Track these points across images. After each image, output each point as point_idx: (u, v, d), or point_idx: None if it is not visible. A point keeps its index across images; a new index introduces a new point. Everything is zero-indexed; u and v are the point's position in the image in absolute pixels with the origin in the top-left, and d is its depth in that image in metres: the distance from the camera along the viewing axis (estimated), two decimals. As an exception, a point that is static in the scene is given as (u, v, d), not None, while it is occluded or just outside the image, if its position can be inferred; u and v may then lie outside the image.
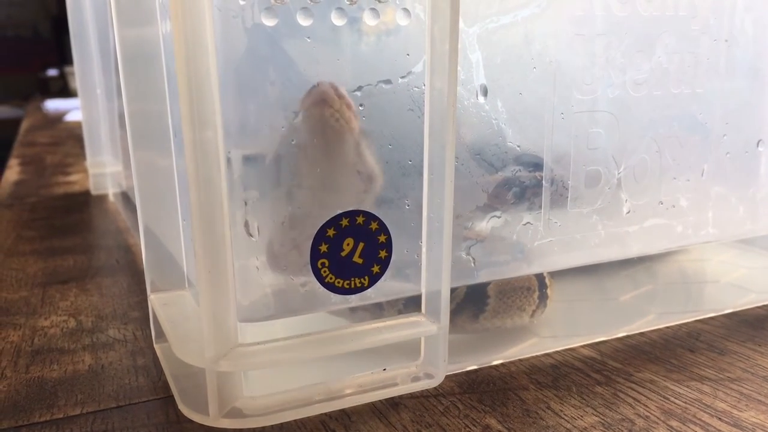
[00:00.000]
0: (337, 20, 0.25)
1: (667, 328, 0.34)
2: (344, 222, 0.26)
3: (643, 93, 0.31)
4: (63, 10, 0.65)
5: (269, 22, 0.24)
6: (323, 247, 0.26)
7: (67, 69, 2.01)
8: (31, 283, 0.41)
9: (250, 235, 0.25)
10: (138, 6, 0.30)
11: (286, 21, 0.24)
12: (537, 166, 0.30)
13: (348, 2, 0.25)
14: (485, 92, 0.28)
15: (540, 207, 0.30)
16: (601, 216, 0.32)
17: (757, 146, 0.35)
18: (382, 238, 0.27)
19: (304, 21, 0.24)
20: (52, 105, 1.61)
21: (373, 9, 0.25)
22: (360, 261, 0.27)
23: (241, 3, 0.23)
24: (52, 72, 2.33)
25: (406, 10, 0.26)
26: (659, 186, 0.32)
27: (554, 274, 0.34)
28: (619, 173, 0.31)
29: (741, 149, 0.34)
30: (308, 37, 0.24)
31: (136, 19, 0.31)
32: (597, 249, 0.32)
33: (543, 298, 0.33)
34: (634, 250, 0.33)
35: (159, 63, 0.30)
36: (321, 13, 0.24)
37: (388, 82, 0.26)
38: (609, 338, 0.32)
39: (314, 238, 0.26)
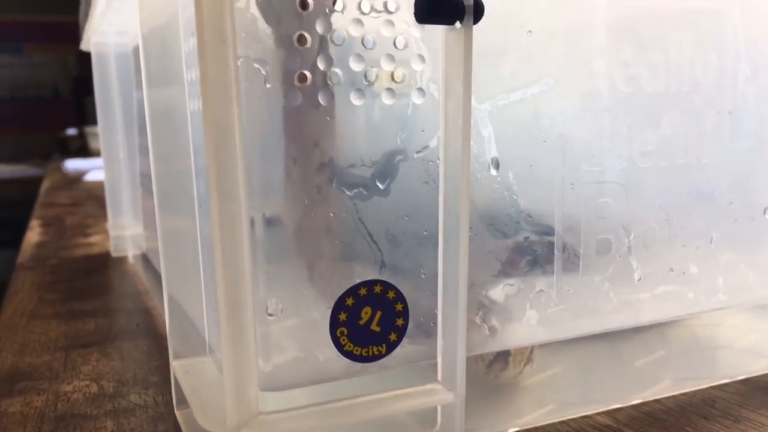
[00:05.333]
0: (356, 100, 0.26)
1: (682, 394, 0.34)
2: (362, 291, 0.27)
3: (650, 164, 0.32)
4: (83, 71, 0.68)
5: (292, 102, 0.25)
6: (342, 316, 0.27)
7: (87, 129, 2.05)
8: (53, 347, 0.42)
9: (270, 315, 0.26)
10: (166, 77, 0.32)
11: (308, 101, 0.25)
12: (548, 235, 0.31)
13: (366, 83, 0.26)
14: (497, 165, 0.29)
15: (552, 274, 0.31)
16: (612, 283, 0.32)
17: (764, 214, 0.35)
18: (399, 307, 0.28)
19: (325, 101, 0.26)
20: (72, 165, 1.65)
21: (389, 89, 0.27)
22: (378, 329, 0.28)
23: (267, 86, 0.25)
24: (72, 131, 2.38)
25: (421, 89, 0.27)
26: (669, 253, 0.33)
27: (568, 340, 0.35)
28: (629, 241, 0.32)
29: (748, 217, 0.35)
30: (329, 117, 0.26)
31: (164, 80, 0.32)
32: (610, 316, 0.32)
33: (504, 353, 0.33)
34: (646, 317, 0.33)
35: (186, 135, 0.31)
36: (341, 93, 0.26)
37: (404, 157, 0.27)
38: (624, 405, 0.33)
39: (333, 307, 0.27)
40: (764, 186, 0.35)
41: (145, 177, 0.52)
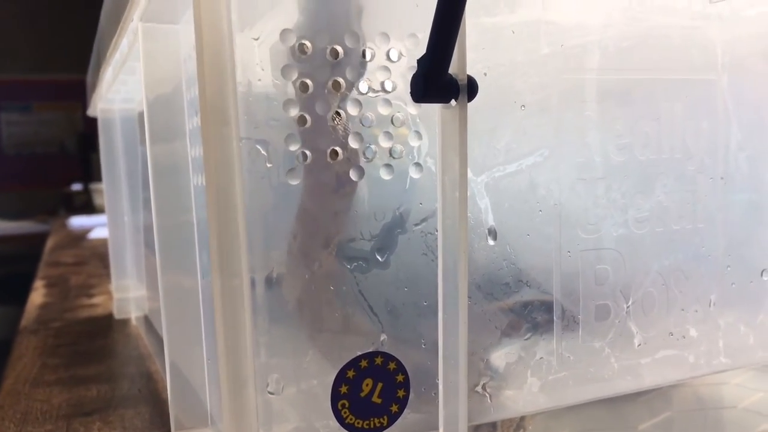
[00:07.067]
0: (356, 176, 0.27)
1: (687, 460, 0.33)
2: (363, 363, 0.27)
3: (646, 230, 0.32)
4: (89, 128, 0.69)
5: (293, 180, 0.26)
6: (343, 389, 0.27)
7: (92, 186, 2.08)
8: (55, 416, 0.42)
9: (271, 393, 0.26)
10: (170, 143, 0.33)
11: (309, 178, 0.26)
12: (547, 302, 0.31)
13: (365, 159, 0.27)
14: (494, 235, 0.30)
15: (552, 342, 0.31)
16: (613, 349, 0.32)
17: (762, 276, 0.36)
18: (400, 378, 0.28)
19: (325, 178, 0.26)
20: (77, 222, 1.66)
21: (387, 165, 0.27)
22: (379, 401, 0.28)
23: (268, 165, 0.25)
24: (77, 186, 2.40)
25: (418, 164, 0.28)
26: (668, 318, 0.33)
27: (570, 406, 0.34)
28: (627, 307, 0.32)
29: (746, 279, 0.35)
30: (329, 193, 0.26)
31: (167, 137, 0.33)
32: (611, 381, 0.32)
33: None
34: (647, 382, 0.33)
35: (190, 212, 0.32)
36: (341, 170, 0.27)
37: (403, 229, 0.28)
38: (628, 472, 0.32)
39: (335, 379, 0.27)
40: (760, 248, 0.36)
41: (149, 232, 0.53)
